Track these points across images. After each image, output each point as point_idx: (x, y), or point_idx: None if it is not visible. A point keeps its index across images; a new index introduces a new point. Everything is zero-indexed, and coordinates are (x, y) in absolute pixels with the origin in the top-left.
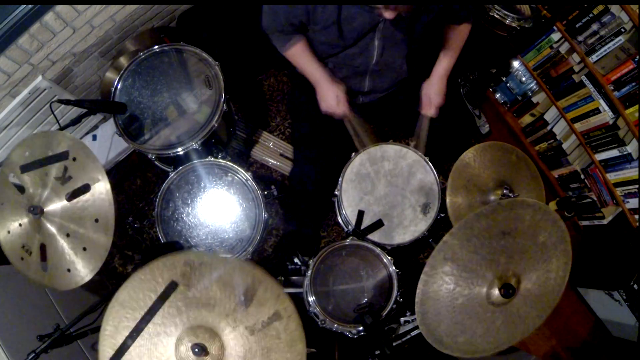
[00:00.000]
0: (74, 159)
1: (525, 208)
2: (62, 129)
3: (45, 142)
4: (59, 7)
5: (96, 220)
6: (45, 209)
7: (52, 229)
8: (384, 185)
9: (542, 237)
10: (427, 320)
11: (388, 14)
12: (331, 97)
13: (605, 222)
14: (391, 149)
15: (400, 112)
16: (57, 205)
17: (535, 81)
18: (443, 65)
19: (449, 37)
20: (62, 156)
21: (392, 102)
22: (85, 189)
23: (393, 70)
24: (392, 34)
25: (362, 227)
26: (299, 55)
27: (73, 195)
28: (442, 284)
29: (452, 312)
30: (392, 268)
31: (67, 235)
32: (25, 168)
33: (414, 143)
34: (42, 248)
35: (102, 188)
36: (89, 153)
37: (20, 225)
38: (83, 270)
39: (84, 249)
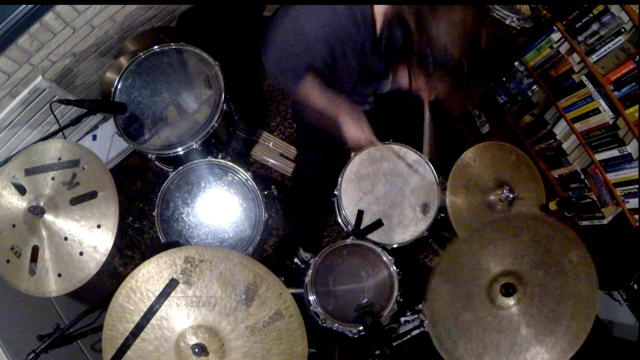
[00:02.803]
0: (84, 168)
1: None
2: (62, 129)
3: (56, 149)
4: (59, 7)
5: (98, 226)
6: (46, 211)
7: (50, 231)
8: (384, 185)
9: (524, 234)
10: (443, 342)
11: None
12: (355, 130)
13: (605, 222)
14: (391, 149)
15: (402, 117)
16: (59, 208)
17: (535, 81)
18: None
19: None
20: (73, 164)
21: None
22: (93, 195)
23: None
24: None
25: (361, 227)
26: (313, 88)
27: (78, 200)
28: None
29: (462, 325)
30: (393, 268)
31: (65, 238)
32: (30, 171)
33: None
34: (34, 250)
35: (109, 196)
36: (100, 164)
37: (14, 226)
38: (76, 275)
39: (81, 253)
